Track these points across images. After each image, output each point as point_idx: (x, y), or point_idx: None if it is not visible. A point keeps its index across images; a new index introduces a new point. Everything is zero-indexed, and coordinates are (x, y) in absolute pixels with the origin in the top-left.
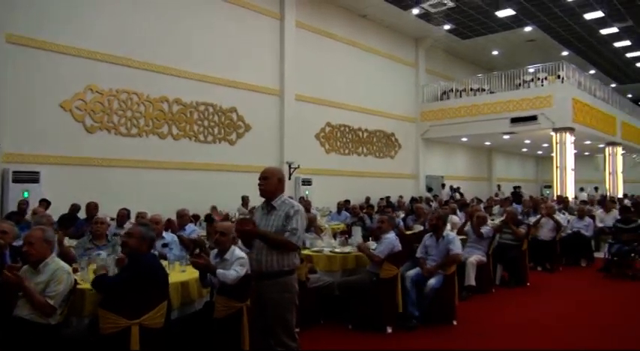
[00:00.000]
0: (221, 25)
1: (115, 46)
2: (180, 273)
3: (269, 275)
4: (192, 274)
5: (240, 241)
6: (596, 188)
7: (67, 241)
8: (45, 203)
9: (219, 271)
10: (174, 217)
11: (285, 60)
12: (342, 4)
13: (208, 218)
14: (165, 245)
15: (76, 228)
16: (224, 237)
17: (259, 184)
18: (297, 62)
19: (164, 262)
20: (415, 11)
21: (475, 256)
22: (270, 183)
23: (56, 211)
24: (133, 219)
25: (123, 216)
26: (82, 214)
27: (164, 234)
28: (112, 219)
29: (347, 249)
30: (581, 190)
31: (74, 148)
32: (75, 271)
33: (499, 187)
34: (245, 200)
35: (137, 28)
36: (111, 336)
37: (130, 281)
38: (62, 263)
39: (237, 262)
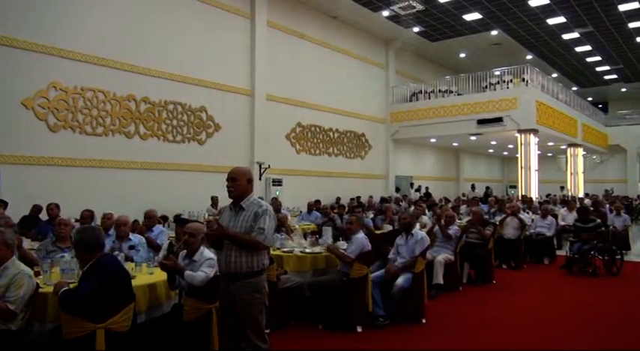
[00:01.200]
0: (191, 24)
1: (79, 43)
2: (148, 275)
3: (238, 276)
4: (160, 276)
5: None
6: (561, 187)
7: (29, 244)
8: (2, 204)
9: (187, 273)
10: (142, 218)
11: (256, 60)
12: (314, 5)
13: (178, 219)
14: (132, 247)
15: (37, 230)
16: (193, 238)
17: (228, 186)
18: (268, 62)
19: (130, 265)
20: (385, 13)
21: (443, 255)
22: (240, 184)
23: (17, 213)
24: (98, 220)
25: (86, 217)
26: (44, 216)
27: (131, 236)
28: (77, 220)
29: (317, 249)
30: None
31: (36, 148)
32: (37, 274)
33: (473, 186)
34: (214, 201)
35: (104, 25)
36: (75, 341)
37: (96, 287)
38: (23, 266)
39: (205, 263)
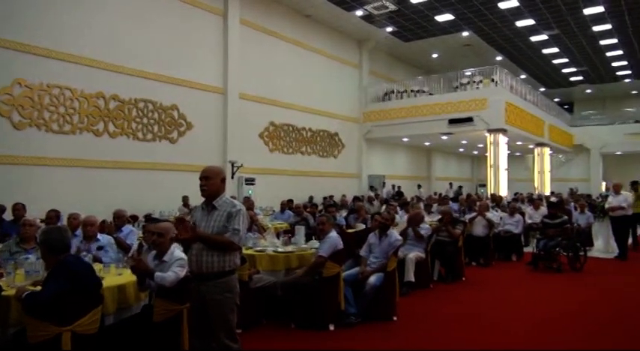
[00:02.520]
0: (162, 21)
1: (45, 39)
2: (117, 276)
3: (210, 276)
4: (129, 277)
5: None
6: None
7: None
8: None
9: (157, 274)
10: (111, 218)
11: (229, 58)
12: (287, 3)
13: (148, 219)
14: (100, 248)
15: (2, 230)
16: (162, 238)
17: (201, 185)
18: (241, 60)
19: (99, 266)
20: (359, 13)
21: (414, 253)
22: (213, 183)
23: None
24: (65, 221)
25: (53, 217)
26: (8, 216)
27: (99, 236)
28: (42, 221)
29: (290, 248)
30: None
31: (0, 146)
32: (0, 276)
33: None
34: (185, 200)
35: (70, 20)
36: (40, 344)
37: (62, 289)
38: None
39: (176, 264)
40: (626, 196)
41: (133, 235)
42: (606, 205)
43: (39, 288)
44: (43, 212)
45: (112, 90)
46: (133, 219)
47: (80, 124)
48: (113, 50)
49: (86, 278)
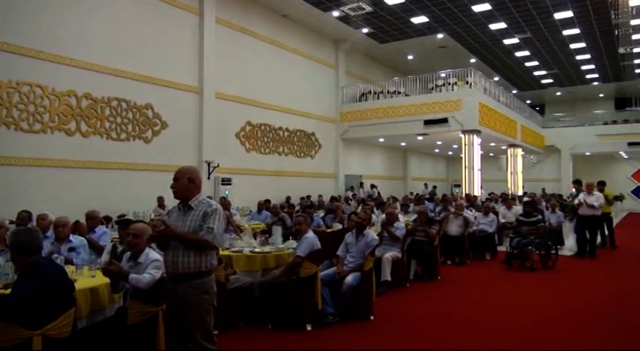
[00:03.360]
0: (136, 18)
1: (14, 35)
2: (90, 278)
3: (186, 277)
4: (102, 279)
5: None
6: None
7: None
8: None
9: (132, 276)
10: (83, 219)
11: (205, 57)
12: (263, 3)
13: (121, 220)
14: (72, 249)
15: None
16: (137, 239)
17: (171, 186)
18: (217, 60)
19: (71, 268)
20: (335, 14)
21: (391, 253)
22: (181, 184)
23: None
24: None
25: (24, 218)
26: None
27: (71, 237)
28: (12, 222)
29: (267, 249)
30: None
31: None
32: None
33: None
34: (160, 201)
35: (41, 16)
36: (10, 349)
37: (33, 292)
38: None
39: (151, 265)
40: (598, 196)
41: (106, 236)
42: (576, 202)
43: (9, 291)
44: (13, 213)
45: (84, 88)
46: (107, 220)
47: (51, 122)
48: (85, 47)
49: (58, 281)
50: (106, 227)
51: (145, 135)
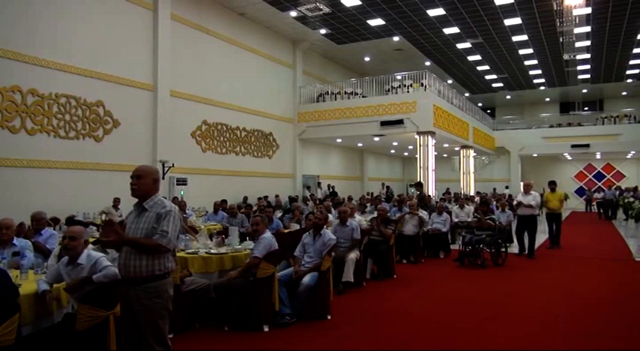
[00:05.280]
0: (86, 11)
1: None
2: (35, 283)
3: (138, 280)
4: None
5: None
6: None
7: None
8: None
9: (96, 275)
10: (29, 221)
11: (159, 54)
12: (220, 1)
13: (70, 221)
14: (16, 253)
15: None
16: (74, 242)
17: (131, 184)
18: (172, 57)
19: (15, 272)
20: (293, 14)
21: (354, 253)
22: (145, 183)
23: None
24: None
25: None
26: None
27: (15, 240)
28: None
29: (223, 250)
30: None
31: None
32: None
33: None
34: (116, 203)
35: None
36: None
37: None
38: None
39: (102, 261)
40: (535, 195)
41: (53, 238)
42: (514, 202)
43: None
44: None
45: (29, 84)
46: (54, 222)
47: None
48: (30, 41)
49: (0, 286)
50: (54, 229)
51: (95, 133)
